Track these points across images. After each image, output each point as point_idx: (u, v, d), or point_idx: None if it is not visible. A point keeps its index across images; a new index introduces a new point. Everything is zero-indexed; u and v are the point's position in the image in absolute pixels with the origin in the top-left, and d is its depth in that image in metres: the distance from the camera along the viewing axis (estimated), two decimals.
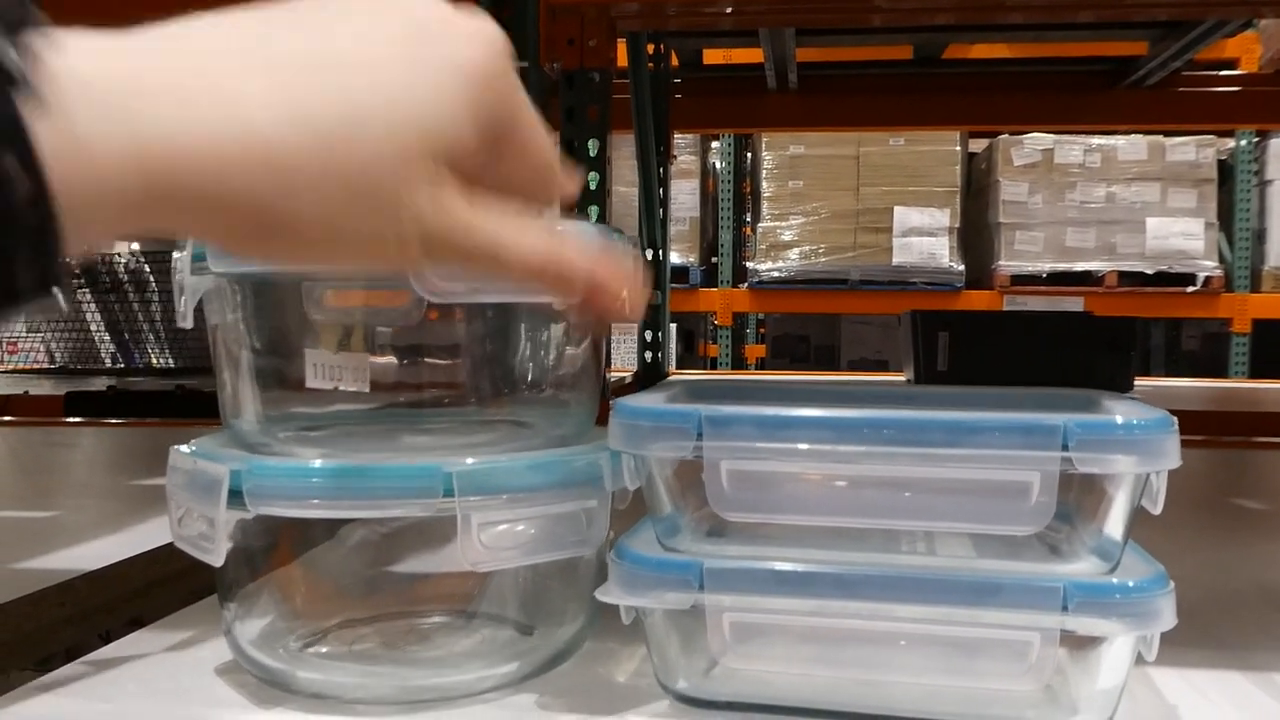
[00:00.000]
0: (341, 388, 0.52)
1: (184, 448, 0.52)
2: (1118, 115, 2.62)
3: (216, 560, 0.47)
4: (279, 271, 0.51)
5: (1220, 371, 4.05)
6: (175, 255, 0.53)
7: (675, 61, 2.64)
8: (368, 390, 0.53)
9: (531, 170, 0.35)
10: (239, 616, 0.54)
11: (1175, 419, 0.46)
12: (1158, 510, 0.46)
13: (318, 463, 0.48)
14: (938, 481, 0.46)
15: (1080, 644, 0.47)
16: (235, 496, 0.47)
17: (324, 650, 0.56)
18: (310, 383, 0.52)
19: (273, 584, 0.56)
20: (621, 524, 0.55)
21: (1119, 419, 0.44)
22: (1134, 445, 0.44)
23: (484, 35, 0.32)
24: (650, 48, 2.40)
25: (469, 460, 0.48)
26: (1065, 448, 0.44)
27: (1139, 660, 0.46)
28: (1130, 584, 0.44)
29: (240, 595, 0.54)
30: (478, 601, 0.58)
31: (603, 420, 0.53)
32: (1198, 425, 1.87)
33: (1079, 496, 0.49)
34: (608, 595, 0.50)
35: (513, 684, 0.53)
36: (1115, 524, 0.47)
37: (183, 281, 0.50)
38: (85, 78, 0.26)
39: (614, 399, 0.53)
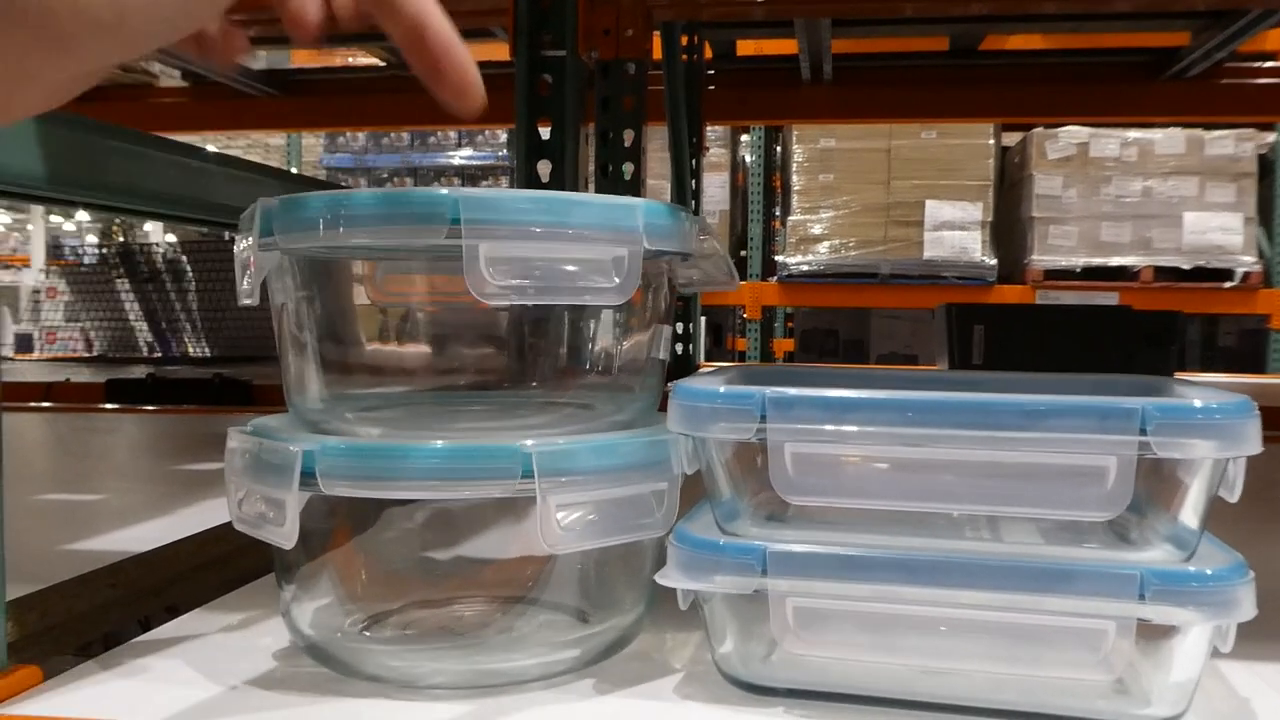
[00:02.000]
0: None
1: (244, 428, 0.52)
2: (1157, 107, 2.59)
3: (288, 542, 0.47)
4: (342, 248, 0.50)
5: (1258, 368, 3.99)
6: (229, 236, 0.53)
7: (709, 53, 2.63)
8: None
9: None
10: (297, 598, 0.54)
11: (1256, 404, 0.44)
12: (1235, 498, 0.45)
13: (392, 443, 0.47)
14: (1010, 466, 0.45)
15: (1153, 635, 0.46)
16: (307, 477, 0.46)
17: (382, 634, 0.56)
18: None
19: (332, 566, 0.56)
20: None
21: (1198, 402, 0.43)
22: (1214, 430, 0.43)
23: None
24: (684, 39, 2.39)
25: (548, 441, 0.47)
26: (1143, 431, 0.43)
27: (1213, 653, 0.45)
28: (1209, 572, 0.43)
29: (300, 577, 0.54)
30: (536, 588, 0.58)
31: (663, 407, 0.53)
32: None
33: (1151, 484, 0.48)
34: (667, 579, 0.49)
35: (573, 670, 0.52)
36: (1191, 512, 0.46)
37: (248, 259, 0.49)
38: None
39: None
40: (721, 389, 0.48)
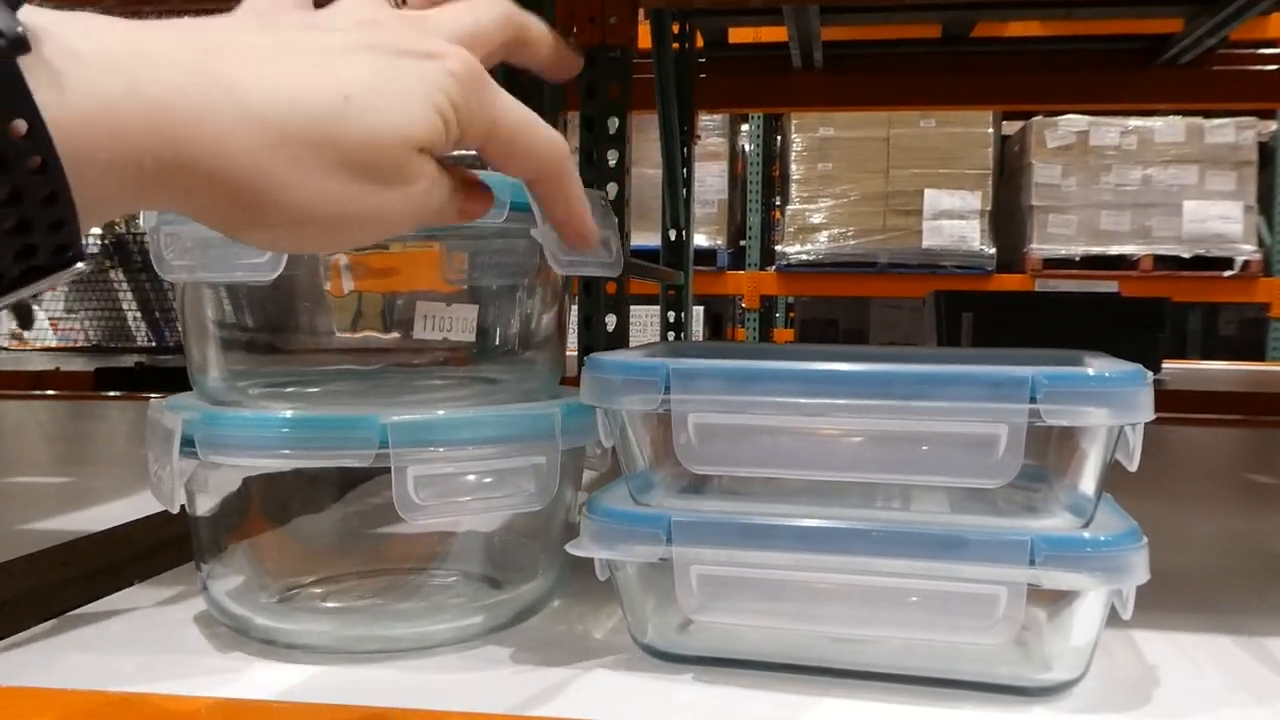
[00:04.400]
0: (450, 338, 0.53)
1: (158, 401, 0.53)
2: (1152, 94, 2.57)
3: (173, 506, 0.48)
4: None
5: (1258, 356, 3.97)
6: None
7: (700, 41, 2.63)
8: (471, 339, 0.53)
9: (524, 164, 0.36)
10: (214, 573, 0.55)
11: (1150, 373, 0.45)
12: (1134, 466, 0.45)
13: (261, 413, 0.48)
14: (905, 434, 0.46)
15: (1054, 600, 0.47)
16: (188, 445, 0.48)
17: (297, 604, 0.57)
18: (418, 334, 0.53)
19: (247, 542, 0.57)
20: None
21: (1090, 371, 0.44)
22: (1105, 397, 0.43)
23: (456, 54, 0.33)
24: (675, 27, 2.39)
25: (409, 412, 0.48)
26: (1033, 400, 0.43)
27: (1121, 621, 0.46)
28: (1101, 538, 0.44)
29: (216, 552, 0.55)
30: (445, 558, 0.59)
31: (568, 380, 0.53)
32: (1232, 406, 1.85)
33: (1056, 454, 0.49)
34: (579, 549, 0.50)
35: (479, 636, 0.53)
36: (1088, 479, 0.46)
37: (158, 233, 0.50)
38: (89, 46, 0.26)
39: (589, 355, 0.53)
40: (630, 361, 0.49)
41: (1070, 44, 2.56)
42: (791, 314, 4.90)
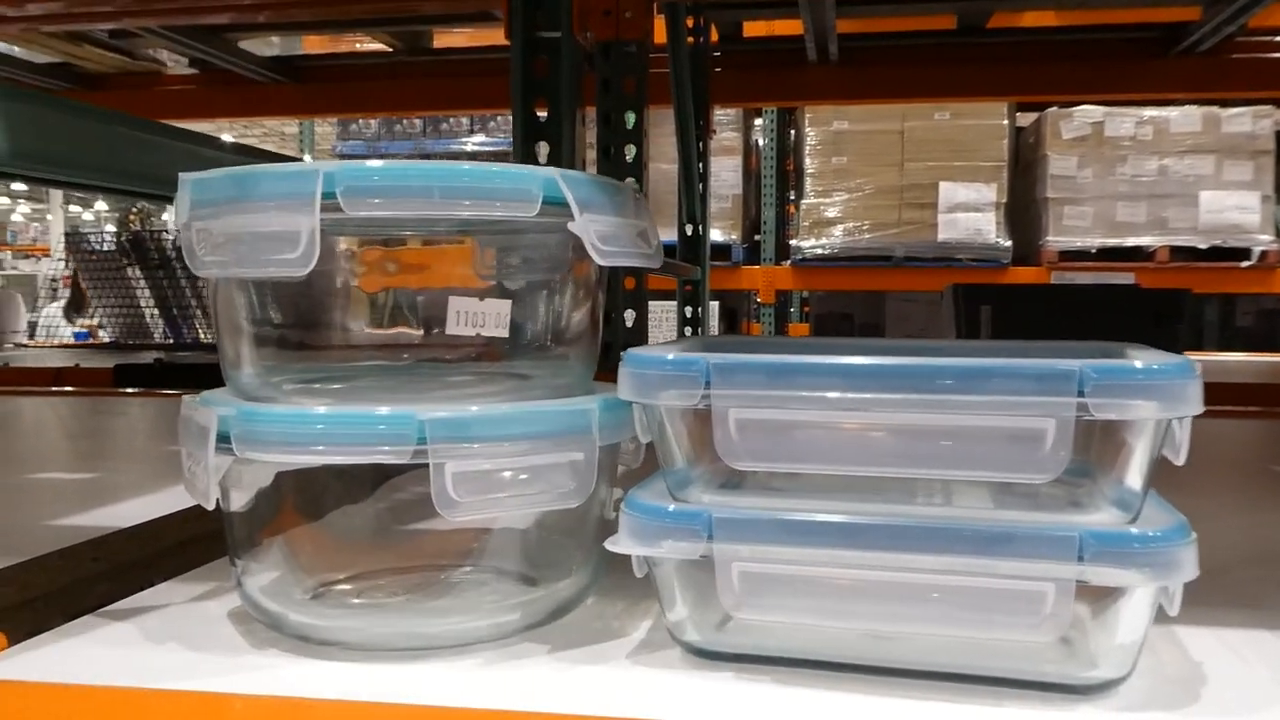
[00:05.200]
0: (483, 333, 0.52)
1: (192, 398, 0.53)
2: (1167, 84, 2.55)
3: (208, 503, 0.48)
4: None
5: (1275, 348, 3.95)
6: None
7: (715, 35, 2.62)
8: (505, 335, 0.53)
9: None
10: (249, 569, 0.55)
11: (1198, 365, 0.44)
12: (1181, 460, 0.45)
13: (298, 409, 0.48)
14: (949, 429, 0.45)
15: (1099, 597, 0.46)
16: (223, 441, 0.47)
17: (331, 600, 0.57)
18: (451, 329, 0.52)
19: (281, 537, 0.56)
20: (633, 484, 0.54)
21: (1137, 363, 0.43)
22: (1153, 390, 0.42)
23: None
24: (689, 21, 2.38)
25: (446, 409, 0.48)
26: (1081, 393, 0.43)
27: (1168, 617, 0.45)
28: (1149, 534, 0.43)
29: (250, 548, 0.55)
30: (482, 555, 0.58)
31: (601, 376, 0.53)
32: (1252, 397, 1.83)
33: (1101, 448, 0.48)
34: (617, 545, 0.49)
35: (516, 633, 0.53)
36: (1135, 474, 0.46)
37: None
38: None
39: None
40: (669, 356, 0.49)
41: (1086, 33, 2.54)
42: (806, 308, 4.88)
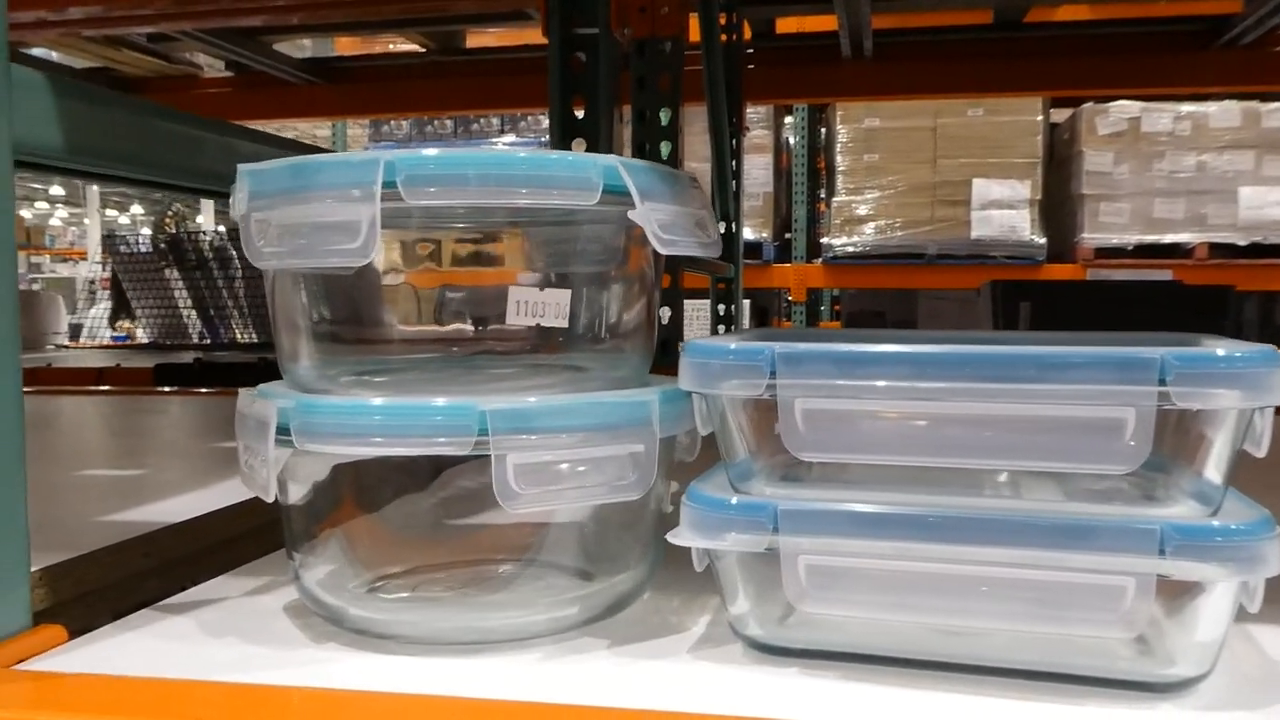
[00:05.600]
0: (543, 324, 0.52)
1: (249, 391, 0.53)
2: (1210, 78, 2.52)
3: (268, 496, 0.48)
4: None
5: None
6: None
7: (748, 32, 2.60)
8: (565, 325, 0.52)
9: None
10: (306, 563, 0.54)
11: None
12: (1262, 452, 0.44)
13: (358, 401, 0.48)
14: (1025, 419, 0.44)
15: (1177, 593, 0.45)
16: (283, 433, 0.47)
17: (388, 594, 0.56)
18: (511, 320, 0.52)
19: (339, 531, 0.56)
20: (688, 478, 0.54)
21: (1220, 351, 0.42)
22: (1237, 379, 0.41)
23: None
24: (723, 18, 2.37)
25: (507, 400, 0.47)
26: (1163, 382, 0.41)
27: (1240, 614, 0.44)
28: (1233, 526, 0.42)
29: (307, 541, 0.54)
30: (538, 550, 0.58)
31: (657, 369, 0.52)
32: None
33: (1175, 441, 0.47)
34: (679, 538, 0.49)
35: (574, 627, 0.52)
36: (1215, 466, 0.44)
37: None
38: None
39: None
40: (732, 345, 0.48)
41: (1127, 27, 2.51)
42: (837, 306, 4.86)
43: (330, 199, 0.48)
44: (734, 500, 0.48)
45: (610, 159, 0.49)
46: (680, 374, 0.50)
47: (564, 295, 0.52)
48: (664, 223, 0.50)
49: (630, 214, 0.49)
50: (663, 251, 0.50)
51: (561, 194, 0.48)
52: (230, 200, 0.53)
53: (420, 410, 0.47)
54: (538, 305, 0.51)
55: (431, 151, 0.48)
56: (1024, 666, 0.46)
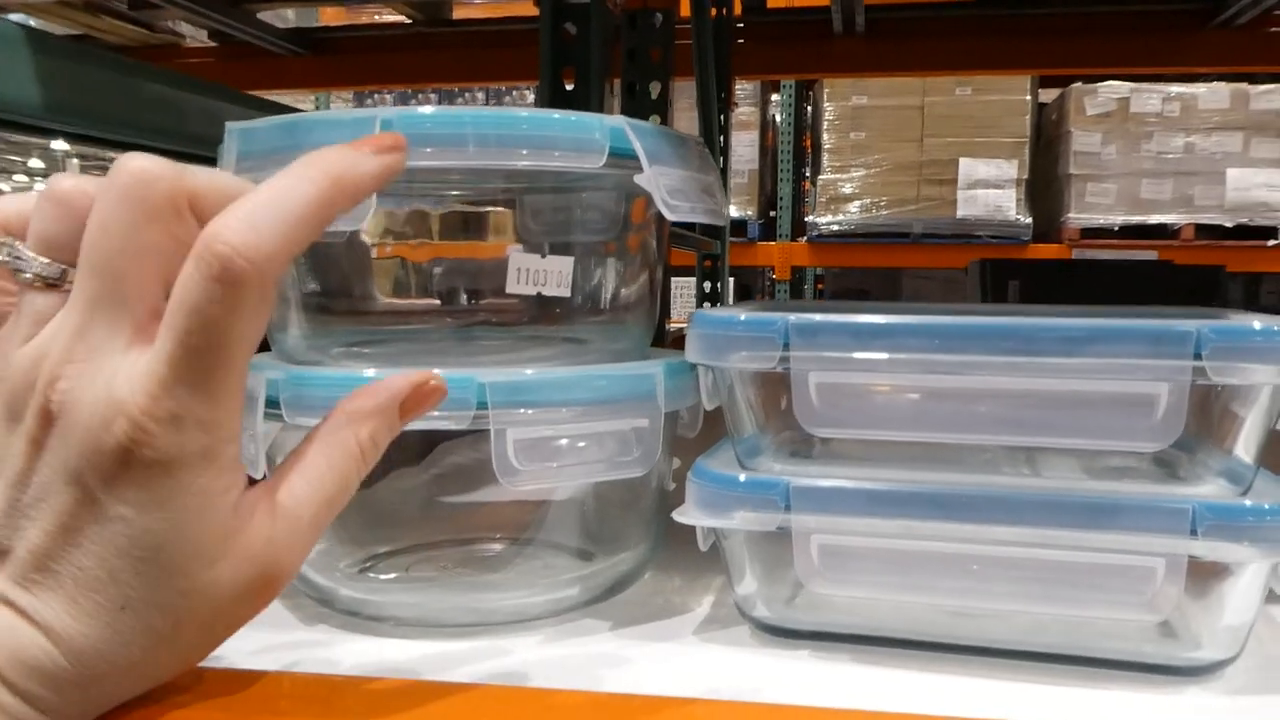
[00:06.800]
0: (545, 292, 0.50)
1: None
2: (1204, 58, 2.50)
3: (257, 472, 0.45)
4: None
5: None
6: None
7: (738, 7, 2.57)
8: (567, 294, 0.50)
9: None
10: None
11: None
12: None
13: (348, 373, 0.45)
14: (1052, 394, 0.42)
15: (1204, 574, 0.43)
16: (272, 407, 0.45)
17: (380, 574, 0.54)
18: (511, 288, 0.50)
19: None
20: (691, 455, 0.52)
21: (1257, 324, 0.40)
22: (1277, 354, 0.39)
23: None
24: None
25: (505, 372, 0.45)
26: (1198, 356, 0.40)
27: (1270, 596, 0.42)
28: (1267, 506, 0.40)
29: None
30: (536, 528, 0.56)
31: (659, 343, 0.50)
32: None
33: (1201, 417, 0.45)
34: (685, 516, 0.47)
35: (575, 608, 0.50)
36: (1247, 444, 0.43)
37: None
38: None
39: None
40: (743, 316, 0.46)
41: (1121, 5, 2.49)
42: (820, 285, 4.85)
43: None
44: (743, 478, 0.46)
45: (617, 120, 0.47)
46: (688, 345, 0.48)
47: (567, 262, 0.49)
48: (672, 188, 0.48)
49: (637, 178, 0.47)
50: (671, 218, 0.48)
51: (564, 156, 0.46)
52: (217, 163, 0.51)
53: None
54: (539, 273, 0.49)
55: (428, 109, 0.46)
56: (1044, 649, 0.45)
